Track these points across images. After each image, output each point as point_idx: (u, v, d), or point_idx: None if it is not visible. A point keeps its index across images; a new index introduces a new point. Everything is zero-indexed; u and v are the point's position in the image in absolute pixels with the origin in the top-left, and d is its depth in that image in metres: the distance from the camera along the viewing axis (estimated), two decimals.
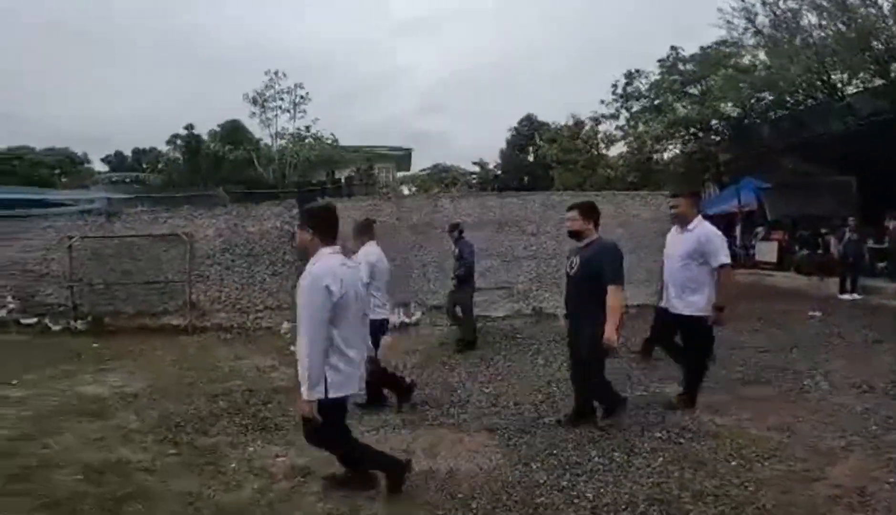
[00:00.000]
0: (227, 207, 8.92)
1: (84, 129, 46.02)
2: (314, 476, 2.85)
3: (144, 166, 22.28)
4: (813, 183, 13.25)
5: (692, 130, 17.26)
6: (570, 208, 3.42)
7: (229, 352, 6.27)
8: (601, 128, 19.94)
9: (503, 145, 24.64)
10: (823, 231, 11.44)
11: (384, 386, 3.95)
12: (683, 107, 17.18)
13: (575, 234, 3.39)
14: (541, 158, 21.43)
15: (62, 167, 19.57)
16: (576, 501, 2.53)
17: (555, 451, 3.07)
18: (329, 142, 20.23)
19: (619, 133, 19.40)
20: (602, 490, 2.61)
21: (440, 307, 8.01)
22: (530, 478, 2.76)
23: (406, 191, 25.11)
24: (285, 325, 7.49)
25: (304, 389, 2.30)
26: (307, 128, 19.18)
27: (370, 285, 3.57)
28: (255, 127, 18.78)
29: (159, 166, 20.14)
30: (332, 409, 2.37)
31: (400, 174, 26.83)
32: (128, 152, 24.33)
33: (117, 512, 2.56)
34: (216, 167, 17.43)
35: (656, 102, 18.07)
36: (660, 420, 3.52)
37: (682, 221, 3.68)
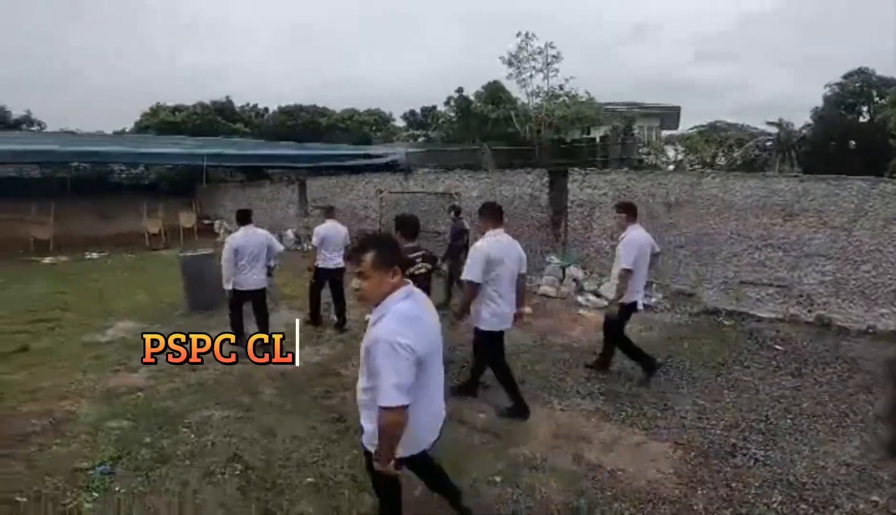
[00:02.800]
0: (488, 172, 10.07)
1: (385, 89, 56.37)
2: (498, 436, 3.31)
3: (429, 122, 26.29)
4: None
5: None
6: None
7: None
8: None
9: (818, 103, 18.82)
10: None
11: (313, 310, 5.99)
12: None
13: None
14: (880, 123, 15.66)
15: (377, 125, 25.08)
16: None
17: (752, 496, 2.76)
18: (583, 99, 19.64)
19: None
20: None
21: (688, 293, 7.37)
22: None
23: (671, 153, 22.40)
24: (544, 280, 8.25)
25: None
26: (560, 86, 19.04)
27: (322, 246, 5.69)
28: (512, 87, 19.76)
29: (440, 121, 23.52)
30: (234, 294, 4.93)
31: (666, 133, 24.00)
32: (417, 109, 29.09)
33: None
34: (482, 125, 19.30)
35: None
36: None
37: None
